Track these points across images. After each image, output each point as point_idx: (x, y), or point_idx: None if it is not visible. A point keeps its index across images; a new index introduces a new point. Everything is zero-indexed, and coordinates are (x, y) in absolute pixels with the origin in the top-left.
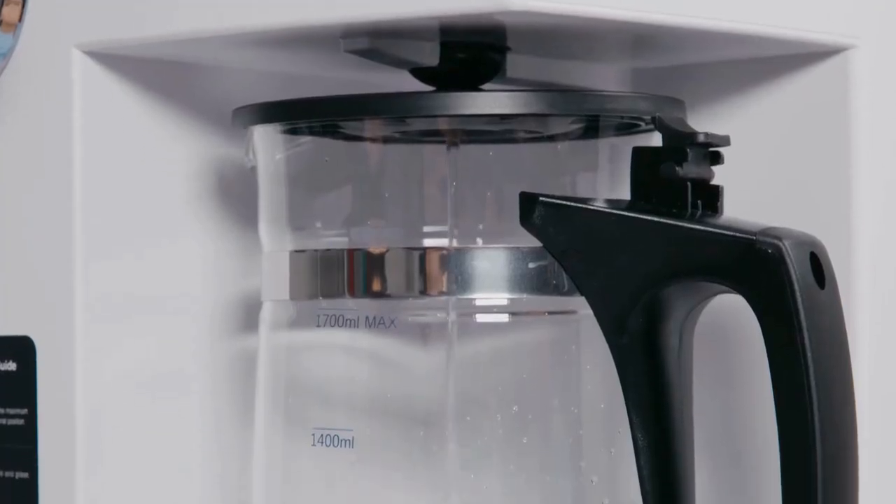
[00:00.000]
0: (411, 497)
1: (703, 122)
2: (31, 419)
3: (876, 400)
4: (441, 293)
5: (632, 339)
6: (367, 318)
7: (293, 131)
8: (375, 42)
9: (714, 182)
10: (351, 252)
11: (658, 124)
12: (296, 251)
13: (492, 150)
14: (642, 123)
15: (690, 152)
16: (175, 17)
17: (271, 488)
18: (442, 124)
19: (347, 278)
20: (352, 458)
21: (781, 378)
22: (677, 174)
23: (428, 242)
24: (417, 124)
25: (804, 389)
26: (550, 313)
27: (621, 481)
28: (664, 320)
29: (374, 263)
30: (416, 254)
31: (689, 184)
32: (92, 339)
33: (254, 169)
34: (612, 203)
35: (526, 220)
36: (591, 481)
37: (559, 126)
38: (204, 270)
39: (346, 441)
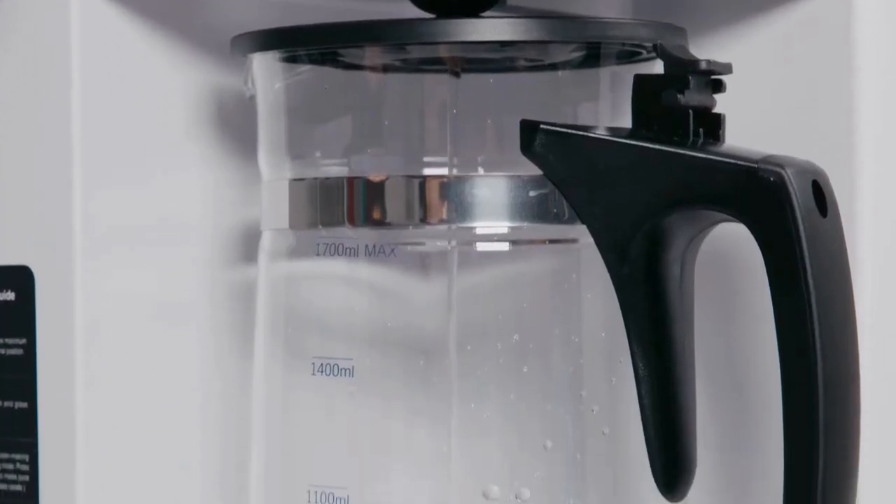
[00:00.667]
0: (411, 427)
1: (704, 50)
2: (30, 349)
3: (878, 327)
4: (441, 221)
5: (633, 267)
6: (366, 246)
7: (292, 59)
8: None
9: (716, 110)
10: (351, 180)
11: (660, 52)
12: (295, 180)
13: (492, 79)
14: (644, 51)
15: (692, 80)
16: None
17: (271, 418)
18: (442, 52)
19: (347, 207)
20: (351, 389)
21: (783, 306)
22: (679, 102)
23: (428, 171)
24: (417, 52)
25: (806, 317)
26: (551, 242)
27: (622, 411)
28: (665, 249)
29: (373, 192)
30: (416, 182)
31: (690, 112)
32: (91, 269)
33: (253, 98)
34: (614, 131)
35: (527, 148)
36: (592, 410)
37: (560, 54)
38: (203, 200)
39: (345, 370)
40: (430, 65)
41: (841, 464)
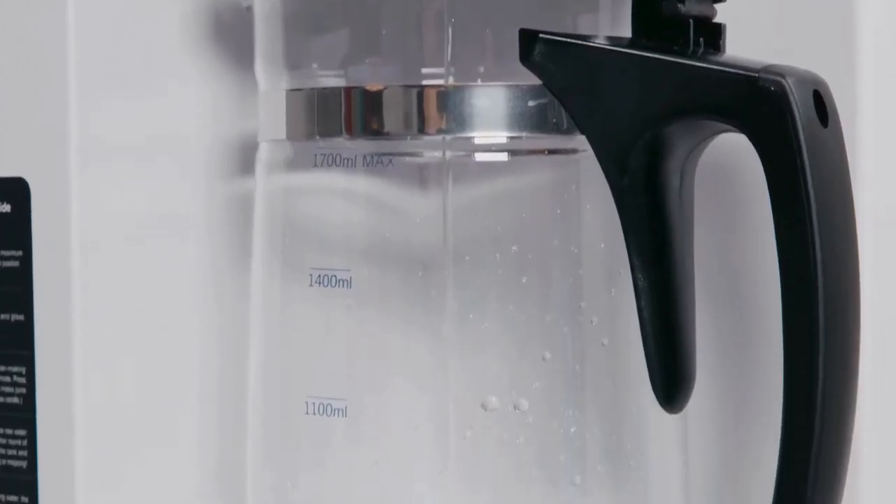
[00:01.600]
0: (409, 339)
1: None
2: (27, 261)
3: (879, 238)
4: (439, 131)
5: (632, 178)
6: (364, 157)
7: None
8: None
9: (716, 20)
10: (348, 90)
11: None
12: (292, 90)
13: None
14: None
15: None
16: None
17: (269, 330)
18: None
19: (344, 117)
20: (349, 301)
21: (783, 216)
22: (679, 11)
23: (426, 81)
24: None
25: (806, 228)
26: (550, 152)
27: (621, 322)
28: (665, 160)
29: (371, 101)
30: (414, 91)
31: (691, 21)
32: (87, 181)
33: (250, 8)
34: (614, 40)
35: (526, 57)
36: (591, 322)
37: None
38: (200, 112)
39: (343, 281)
40: None
41: (841, 373)
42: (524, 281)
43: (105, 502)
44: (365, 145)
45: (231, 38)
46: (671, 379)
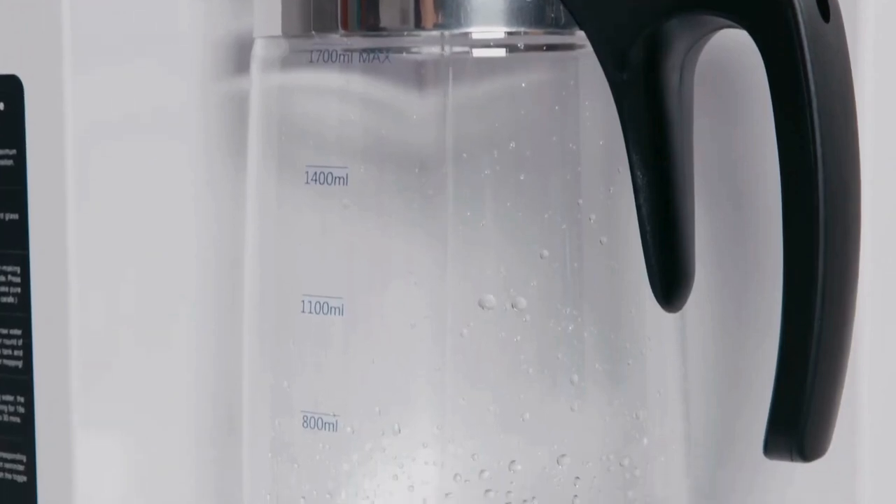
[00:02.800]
0: (406, 237)
1: None
2: (21, 160)
3: (880, 133)
4: (436, 26)
5: (631, 74)
6: (360, 54)
7: None
8: None
9: None
10: None
11: None
12: None
13: None
14: None
15: None
16: None
17: (265, 229)
18: None
19: (340, 12)
20: (345, 200)
21: (784, 111)
22: None
23: None
24: None
25: (807, 122)
26: (548, 48)
27: (620, 220)
28: (665, 56)
29: None
30: None
31: None
32: (81, 79)
33: None
34: None
35: None
36: (590, 219)
37: None
38: (195, 9)
39: (340, 179)
40: None
41: (841, 269)
42: (522, 178)
43: (100, 401)
44: (361, 41)
45: None
46: (670, 277)
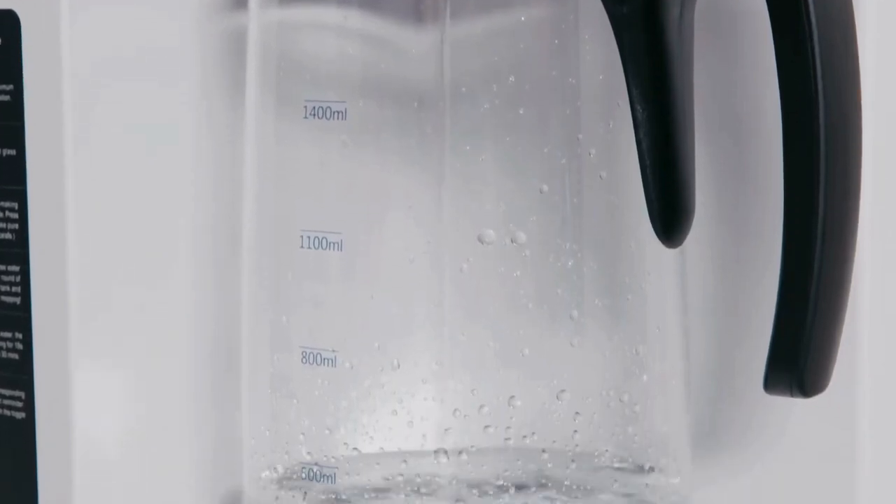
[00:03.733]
0: (406, 172)
1: None
2: (18, 95)
3: (881, 67)
4: None
5: (632, 8)
6: None
7: None
8: None
9: None
10: None
11: None
12: None
13: None
14: None
15: None
16: None
17: (264, 165)
18: None
19: None
20: (344, 137)
21: (784, 42)
22: None
23: None
24: None
25: (807, 53)
26: None
27: (620, 155)
28: None
29: None
30: None
31: None
32: (78, 14)
33: None
34: None
35: None
36: (589, 154)
37: None
38: None
39: (338, 113)
40: None
41: (842, 204)
42: (521, 113)
43: (98, 337)
44: None
45: None
46: (670, 212)
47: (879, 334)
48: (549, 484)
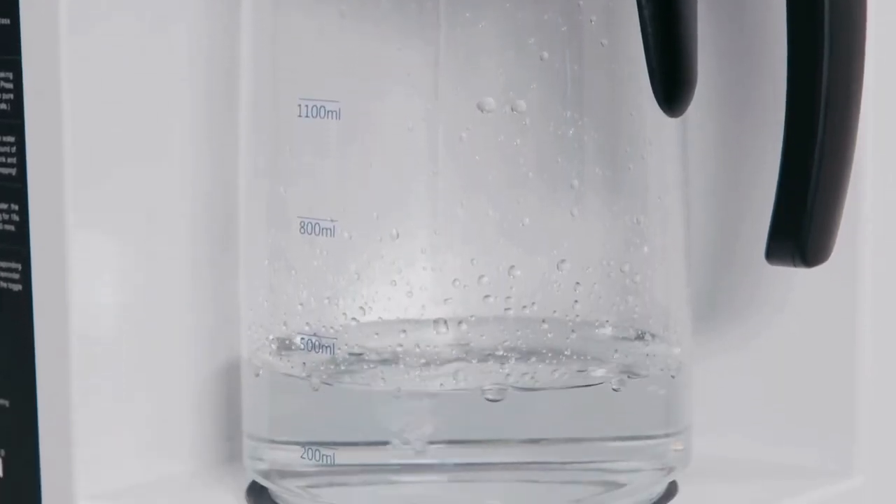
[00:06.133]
0: (404, 40)
1: None
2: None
3: None
4: None
5: None
6: None
7: None
8: None
9: None
10: None
11: None
12: None
13: None
14: None
15: None
16: None
17: (261, 34)
18: None
19: None
20: (343, 7)
21: None
22: None
23: None
24: None
25: None
26: None
27: (622, 22)
28: None
29: None
30: None
31: None
32: None
33: None
34: None
35: None
36: (590, 21)
37: None
38: None
39: None
40: None
41: (845, 76)
42: None
43: (94, 207)
44: None
45: None
46: (672, 80)
47: (882, 203)
48: (550, 354)
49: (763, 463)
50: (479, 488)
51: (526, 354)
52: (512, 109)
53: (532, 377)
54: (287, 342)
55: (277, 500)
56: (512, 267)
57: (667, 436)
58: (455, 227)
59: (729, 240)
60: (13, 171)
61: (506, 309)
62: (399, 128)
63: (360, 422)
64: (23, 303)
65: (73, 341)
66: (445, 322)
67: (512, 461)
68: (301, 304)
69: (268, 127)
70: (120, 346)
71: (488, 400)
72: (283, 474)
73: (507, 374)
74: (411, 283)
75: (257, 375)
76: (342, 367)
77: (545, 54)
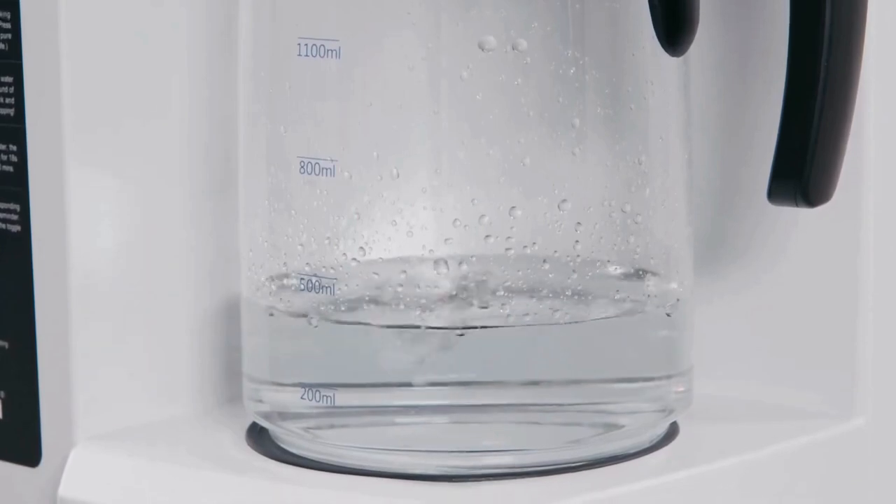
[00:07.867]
0: None
1: None
2: None
3: None
4: None
5: None
6: None
7: None
8: None
9: None
10: None
11: None
12: None
13: None
14: None
15: None
16: None
17: None
18: None
19: None
20: None
21: None
22: None
23: None
24: None
25: None
26: None
27: None
28: None
29: None
30: None
31: None
32: None
33: None
34: None
35: None
36: None
37: None
38: None
39: None
40: None
41: (849, 8)
42: None
43: (93, 147)
44: None
45: None
46: (674, 19)
47: (885, 143)
48: (550, 294)
49: (764, 405)
50: (478, 429)
51: (527, 294)
52: (513, 48)
53: (533, 317)
54: (287, 283)
55: (278, 442)
56: (513, 207)
57: (668, 377)
58: (455, 167)
59: (731, 181)
60: (11, 112)
61: (506, 249)
62: (399, 67)
63: (359, 362)
64: (22, 244)
65: (73, 282)
66: (446, 262)
67: (512, 402)
68: (301, 245)
69: (267, 67)
70: (119, 286)
71: (488, 340)
72: (284, 416)
73: (508, 315)
74: (411, 223)
75: (257, 316)
76: (342, 308)
77: None
